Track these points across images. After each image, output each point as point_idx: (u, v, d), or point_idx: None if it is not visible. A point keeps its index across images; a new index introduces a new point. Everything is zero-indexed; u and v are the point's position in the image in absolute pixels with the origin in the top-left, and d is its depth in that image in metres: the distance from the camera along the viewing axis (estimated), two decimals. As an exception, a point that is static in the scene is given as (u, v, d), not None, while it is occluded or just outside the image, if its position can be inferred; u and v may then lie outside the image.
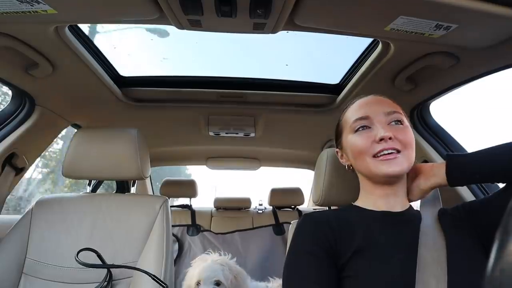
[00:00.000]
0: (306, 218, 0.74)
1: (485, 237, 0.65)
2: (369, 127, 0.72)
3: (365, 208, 0.75)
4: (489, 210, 0.67)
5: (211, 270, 1.42)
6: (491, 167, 0.65)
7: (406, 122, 0.73)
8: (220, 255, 1.60)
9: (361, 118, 0.73)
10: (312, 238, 0.68)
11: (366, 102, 0.76)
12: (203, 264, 1.48)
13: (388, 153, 0.67)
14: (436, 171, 0.71)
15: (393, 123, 0.71)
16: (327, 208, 1.06)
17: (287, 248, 0.73)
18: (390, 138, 0.67)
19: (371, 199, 0.75)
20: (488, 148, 0.67)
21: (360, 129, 0.73)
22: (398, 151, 0.67)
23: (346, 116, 0.78)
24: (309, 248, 0.67)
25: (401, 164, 0.67)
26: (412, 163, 0.71)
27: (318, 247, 0.66)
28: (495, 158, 0.65)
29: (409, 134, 0.71)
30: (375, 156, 0.69)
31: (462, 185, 0.68)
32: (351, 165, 0.79)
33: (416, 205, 0.78)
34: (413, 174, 0.75)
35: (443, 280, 0.57)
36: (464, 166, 0.67)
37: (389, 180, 0.71)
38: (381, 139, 0.68)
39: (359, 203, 0.78)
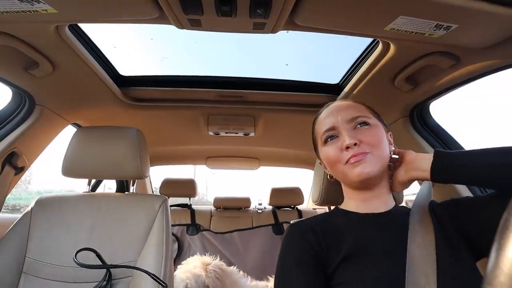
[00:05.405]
0: (292, 229, 0.74)
1: (471, 234, 0.65)
2: (337, 136, 0.73)
3: (350, 211, 0.75)
4: (471, 211, 0.66)
5: (184, 275, 1.54)
6: (479, 172, 0.62)
7: (373, 121, 0.74)
8: (215, 257, 1.68)
9: (328, 130, 0.75)
10: (299, 248, 0.68)
11: (331, 111, 0.77)
12: (183, 267, 1.59)
13: (356, 156, 0.68)
14: (418, 164, 0.69)
15: (359, 125, 0.72)
16: (327, 208, 1.06)
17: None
18: (355, 144, 0.68)
19: (353, 203, 0.76)
20: (479, 150, 0.64)
21: (329, 140, 0.74)
22: (366, 153, 0.68)
23: (317, 128, 0.80)
24: (297, 260, 0.67)
25: (372, 163, 0.67)
26: (385, 161, 0.71)
27: (305, 258, 0.66)
28: (485, 164, 0.61)
29: (376, 134, 0.71)
30: (346, 163, 0.69)
31: (446, 183, 0.68)
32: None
33: (409, 198, 0.78)
34: (398, 162, 0.75)
35: (433, 279, 0.57)
36: (451, 166, 0.64)
37: (365, 184, 0.71)
38: (348, 147, 0.69)
39: (344, 206, 0.79)
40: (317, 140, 0.80)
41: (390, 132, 0.78)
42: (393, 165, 0.76)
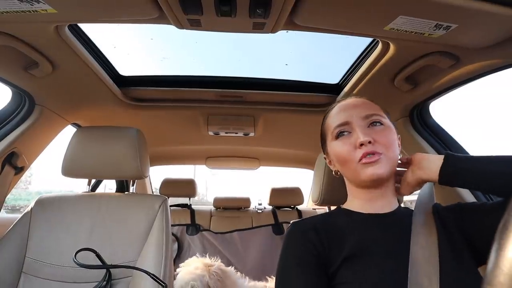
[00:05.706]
0: (293, 228, 0.73)
1: (474, 239, 0.64)
2: (350, 132, 0.72)
3: (353, 211, 0.74)
4: (475, 216, 0.66)
5: (188, 276, 1.53)
6: (488, 178, 0.62)
7: (387, 122, 0.73)
8: (213, 258, 1.69)
9: (341, 124, 0.73)
10: (300, 248, 0.68)
11: (345, 106, 0.76)
12: (185, 269, 1.58)
13: (370, 156, 0.67)
14: (426, 165, 0.69)
15: (373, 124, 0.71)
16: (327, 208, 1.06)
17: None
18: (369, 142, 0.67)
19: (358, 203, 0.75)
20: (486, 157, 0.64)
21: (341, 135, 0.73)
22: (380, 154, 0.67)
23: (328, 122, 0.78)
24: (298, 260, 0.66)
25: (384, 165, 0.67)
26: (395, 163, 0.71)
27: (306, 257, 0.66)
28: (489, 171, 0.62)
29: (389, 135, 0.70)
30: (359, 161, 0.68)
31: (452, 186, 0.68)
32: (339, 171, 0.78)
33: (408, 198, 0.77)
34: (407, 166, 0.75)
35: (435, 280, 0.57)
36: (464, 171, 0.64)
37: (374, 184, 0.70)
38: (361, 144, 0.67)
39: (347, 205, 0.78)
40: (326, 134, 0.78)
41: (399, 135, 0.77)
42: (396, 170, 0.75)
